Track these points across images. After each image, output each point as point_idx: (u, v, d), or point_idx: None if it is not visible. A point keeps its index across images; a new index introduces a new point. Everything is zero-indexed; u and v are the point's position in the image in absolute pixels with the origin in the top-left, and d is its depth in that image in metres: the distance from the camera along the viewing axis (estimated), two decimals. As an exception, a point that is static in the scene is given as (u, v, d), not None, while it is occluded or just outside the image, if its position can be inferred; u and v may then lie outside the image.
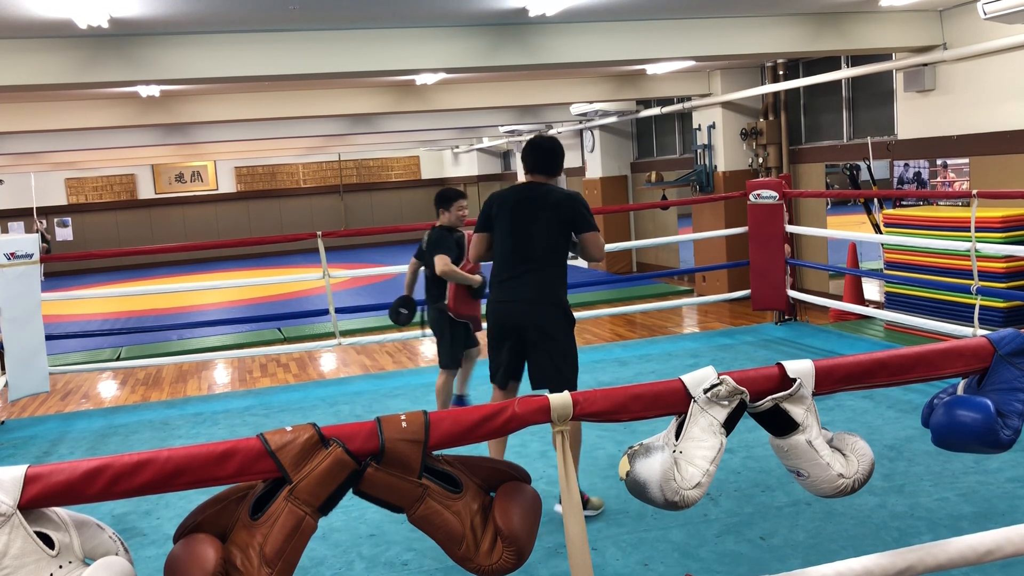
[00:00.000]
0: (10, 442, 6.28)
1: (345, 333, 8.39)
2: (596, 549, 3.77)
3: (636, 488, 1.87)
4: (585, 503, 4.09)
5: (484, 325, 4.54)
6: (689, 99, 11.20)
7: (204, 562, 1.63)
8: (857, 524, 3.85)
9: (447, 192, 5.57)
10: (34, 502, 1.57)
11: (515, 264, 4.16)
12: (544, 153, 4.20)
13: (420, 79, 8.87)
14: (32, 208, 20.65)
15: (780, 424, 1.91)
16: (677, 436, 1.87)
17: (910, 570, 2.02)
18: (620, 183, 14.09)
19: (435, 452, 1.79)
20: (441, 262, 5.06)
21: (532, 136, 4.52)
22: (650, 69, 9.69)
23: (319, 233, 7.35)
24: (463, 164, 22.56)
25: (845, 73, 8.72)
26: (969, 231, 6.20)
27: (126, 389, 7.93)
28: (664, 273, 9.92)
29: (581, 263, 15.58)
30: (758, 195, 7.90)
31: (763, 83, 10.23)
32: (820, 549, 3.64)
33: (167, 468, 1.63)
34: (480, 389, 5.98)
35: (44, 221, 20.72)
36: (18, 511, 1.54)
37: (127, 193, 21.98)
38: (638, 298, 10.42)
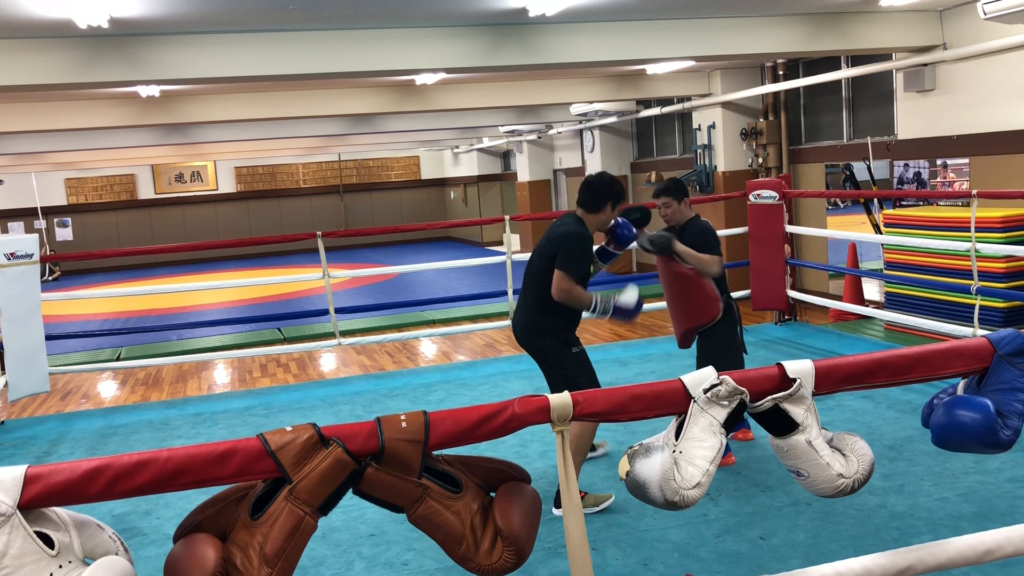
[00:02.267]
0: (10, 442, 6.28)
1: (345, 333, 8.40)
2: (596, 549, 3.77)
3: (636, 488, 1.87)
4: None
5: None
6: (689, 99, 11.20)
7: (204, 562, 1.63)
8: (857, 524, 3.85)
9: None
10: (34, 502, 1.57)
11: (521, 291, 4.38)
12: (586, 189, 4.30)
13: (420, 79, 8.87)
14: (36, 208, 20.66)
15: (780, 424, 1.91)
16: (677, 436, 1.87)
17: (910, 570, 2.02)
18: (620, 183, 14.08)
19: (435, 452, 1.79)
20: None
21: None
22: (650, 69, 9.69)
23: (319, 233, 7.35)
24: (463, 164, 22.56)
25: (845, 73, 8.72)
26: (969, 231, 6.20)
27: (126, 389, 7.93)
28: (664, 273, 9.90)
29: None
30: (758, 195, 7.90)
31: (763, 83, 10.23)
32: (820, 549, 3.64)
33: (167, 468, 1.63)
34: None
35: (46, 222, 20.73)
36: (18, 511, 1.54)
37: (127, 193, 21.98)
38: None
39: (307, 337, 9.31)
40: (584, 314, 4.34)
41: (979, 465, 4.42)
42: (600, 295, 4.26)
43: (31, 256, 6.39)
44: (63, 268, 20.47)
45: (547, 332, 4.23)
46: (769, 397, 1.90)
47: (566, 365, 4.23)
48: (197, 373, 8.37)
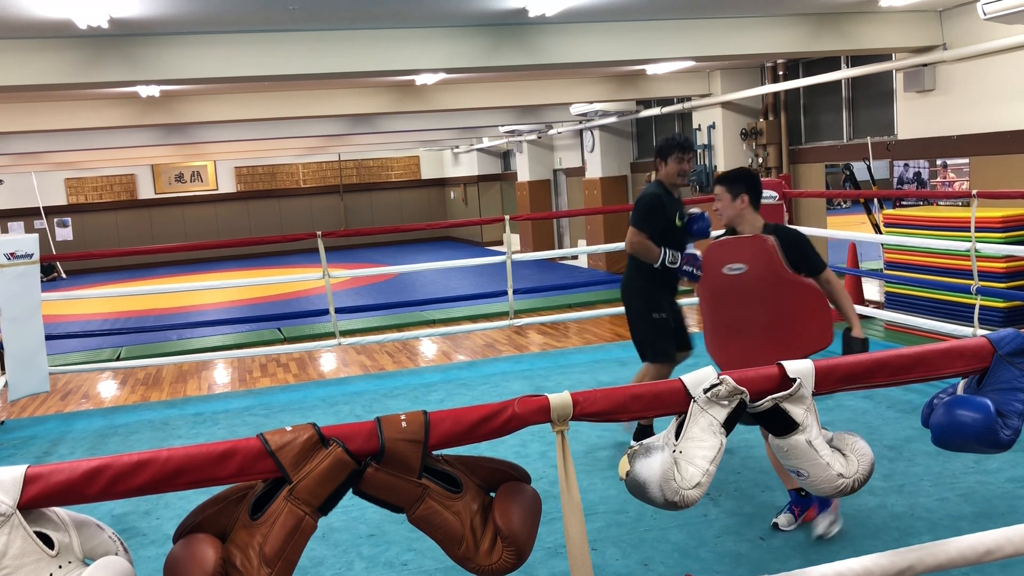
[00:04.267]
0: (10, 442, 6.28)
1: (345, 333, 8.39)
2: (596, 549, 3.77)
3: (636, 488, 1.87)
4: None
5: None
6: (689, 99, 11.20)
7: (204, 562, 1.63)
8: (857, 524, 3.85)
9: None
10: (34, 502, 1.57)
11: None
12: (657, 148, 4.92)
13: (420, 79, 8.87)
14: (39, 208, 20.67)
15: (780, 424, 1.91)
16: (677, 436, 1.87)
17: (910, 570, 2.02)
18: (620, 183, 14.10)
19: (435, 452, 1.79)
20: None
21: None
22: (650, 69, 9.69)
23: (319, 233, 7.34)
24: (463, 164, 22.56)
25: (845, 73, 8.72)
26: (969, 231, 6.20)
27: (126, 389, 7.93)
28: (664, 273, 9.90)
29: (580, 262, 15.58)
30: (758, 195, 7.89)
31: (763, 83, 10.23)
32: (820, 549, 3.64)
33: (167, 468, 1.63)
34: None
35: (46, 222, 20.72)
36: (18, 511, 1.54)
37: (127, 193, 21.98)
38: (638, 298, 10.41)
39: (307, 337, 9.31)
40: (667, 261, 4.70)
41: (979, 465, 4.42)
42: (669, 250, 4.70)
43: (31, 256, 6.39)
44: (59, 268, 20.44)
45: (635, 292, 4.85)
46: (769, 397, 1.90)
47: (644, 326, 4.83)
48: (197, 373, 8.37)
